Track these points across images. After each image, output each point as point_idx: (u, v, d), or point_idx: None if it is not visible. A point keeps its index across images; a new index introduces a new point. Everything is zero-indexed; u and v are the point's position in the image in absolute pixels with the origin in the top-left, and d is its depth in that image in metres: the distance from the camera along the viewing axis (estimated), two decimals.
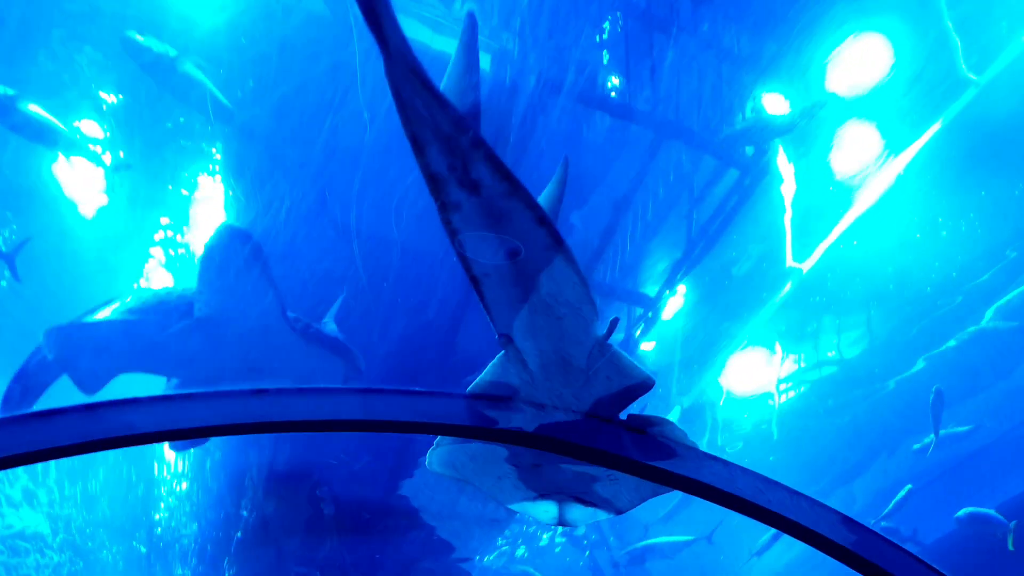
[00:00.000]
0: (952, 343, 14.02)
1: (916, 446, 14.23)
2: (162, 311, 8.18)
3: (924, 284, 13.37)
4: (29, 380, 8.41)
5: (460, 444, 2.97)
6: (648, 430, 2.71)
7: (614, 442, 2.69)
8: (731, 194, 10.07)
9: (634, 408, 2.77)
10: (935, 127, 11.68)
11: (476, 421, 2.55)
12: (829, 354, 15.69)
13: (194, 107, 8.54)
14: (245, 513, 12.14)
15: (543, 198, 2.80)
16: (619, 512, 3.30)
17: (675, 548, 14.88)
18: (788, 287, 14.08)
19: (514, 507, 3.34)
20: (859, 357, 14.97)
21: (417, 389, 2.51)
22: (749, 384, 15.68)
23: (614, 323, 2.48)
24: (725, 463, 2.78)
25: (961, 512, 12.34)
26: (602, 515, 3.33)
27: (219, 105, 8.51)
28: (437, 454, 3.03)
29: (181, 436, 2.32)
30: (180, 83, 8.34)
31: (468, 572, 13.71)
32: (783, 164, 12.33)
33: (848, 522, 2.79)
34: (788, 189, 12.62)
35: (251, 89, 8.61)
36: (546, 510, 3.29)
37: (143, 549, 13.94)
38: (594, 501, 3.24)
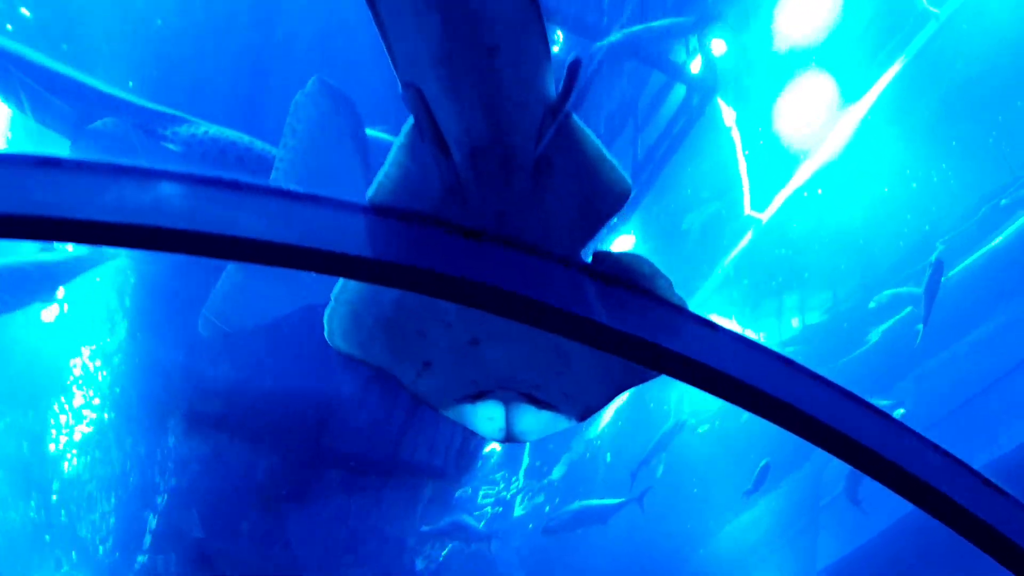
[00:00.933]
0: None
1: None
2: (229, 159, 7.16)
3: (897, 237, 12.86)
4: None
5: (367, 301, 2.16)
6: (622, 278, 1.92)
7: (574, 296, 1.90)
8: (679, 114, 9.32)
9: None
10: (897, 66, 11.13)
11: (372, 250, 1.72)
12: (793, 322, 15.22)
13: None
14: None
15: None
16: (582, 417, 2.52)
17: (607, 512, 14.15)
18: (748, 238, 13.52)
19: (449, 413, 2.53)
20: (825, 320, 14.48)
21: (294, 190, 1.68)
22: None
23: (575, 69, 1.66)
24: (735, 336, 2.01)
25: None
26: (562, 423, 2.54)
27: None
28: (337, 316, 2.20)
29: None
30: None
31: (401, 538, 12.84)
32: (729, 112, 11.76)
33: (909, 434, 2.06)
34: (738, 133, 12.06)
35: None
36: (489, 417, 2.48)
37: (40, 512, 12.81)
38: (550, 400, 2.45)
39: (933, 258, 10.00)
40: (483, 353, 2.24)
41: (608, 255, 1.90)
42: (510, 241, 1.83)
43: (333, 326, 2.21)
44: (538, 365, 2.28)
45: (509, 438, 2.53)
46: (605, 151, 1.79)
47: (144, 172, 1.59)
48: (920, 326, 10.92)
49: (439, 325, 2.16)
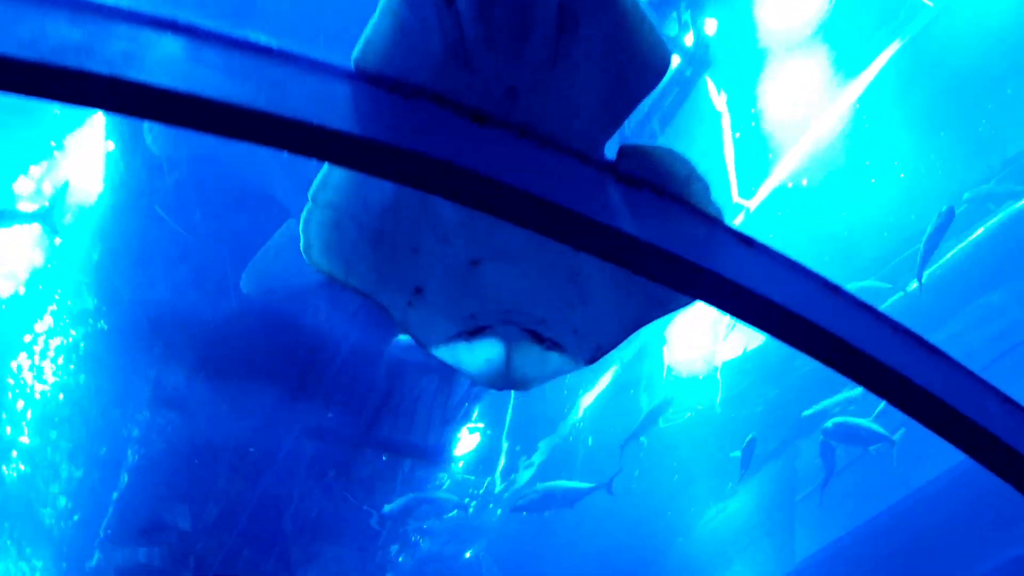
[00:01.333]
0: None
1: (806, 412, 13.28)
2: None
3: (883, 229, 12.68)
4: None
5: (352, 205, 1.83)
6: (651, 179, 1.61)
7: (593, 199, 1.60)
8: (670, 86, 8.99)
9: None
10: (888, 55, 10.94)
11: (355, 125, 1.41)
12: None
13: None
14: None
15: None
16: (592, 358, 2.21)
17: (574, 496, 13.84)
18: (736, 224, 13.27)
19: (441, 352, 2.21)
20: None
21: (263, 43, 1.36)
22: (691, 358, 14.94)
23: None
24: (778, 256, 1.73)
25: (829, 423, 11.72)
26: (568, 365, 2.23)
27: None
28: (315, 223, 1.87)
29: None
30: None
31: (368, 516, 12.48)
32: (719, 98, 11.51)
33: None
34: (726, 119, 11.82)
35: None
36: (487, 357, 2.16)
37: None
38: (557, 338, 2.14)
39: (944, 208, 9.72)
40: (484, 277, 1.94)
41: (637, 150, 1.61)
42: (522, 128, 1.52)
43: (311, 235, 1.88)
44: (546, 292, 1.98)
45: (508, 383, 2.21)
46: (643, 6, 1.49)
47: (77, 3, 1.27)
48: (918, 284, 10.65)
49: (435, 239, 1.86)
